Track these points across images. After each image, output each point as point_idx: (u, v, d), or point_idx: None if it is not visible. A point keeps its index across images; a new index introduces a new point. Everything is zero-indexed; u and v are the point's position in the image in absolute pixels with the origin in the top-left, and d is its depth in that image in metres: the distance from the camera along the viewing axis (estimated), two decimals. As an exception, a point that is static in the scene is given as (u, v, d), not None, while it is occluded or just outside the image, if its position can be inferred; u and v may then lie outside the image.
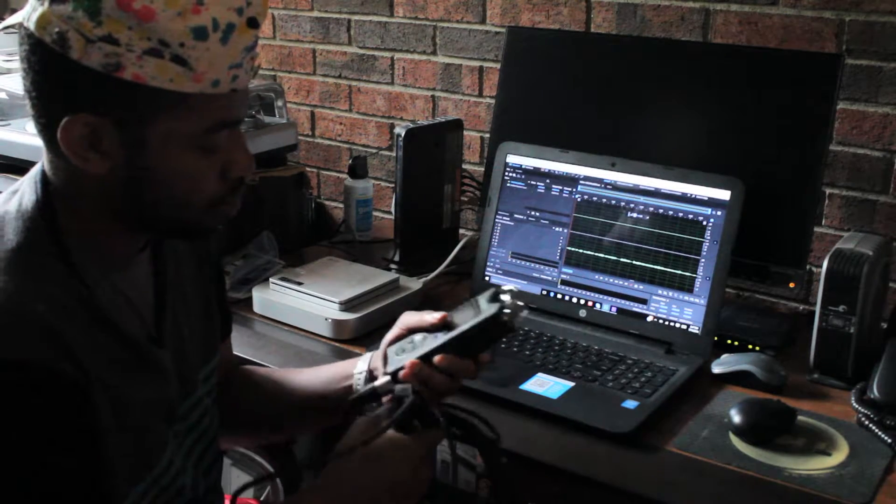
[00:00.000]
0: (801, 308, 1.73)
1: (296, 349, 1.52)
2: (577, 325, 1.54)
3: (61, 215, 0.95)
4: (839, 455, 1.22)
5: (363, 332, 1.54)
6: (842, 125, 1.64)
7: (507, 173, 1.64)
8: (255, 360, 1.46)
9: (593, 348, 1.47)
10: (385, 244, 1.95)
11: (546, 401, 1.32)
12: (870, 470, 1.18)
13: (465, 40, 2.05)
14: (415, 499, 1.07)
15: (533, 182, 1.62)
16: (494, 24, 1.99)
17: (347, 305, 1.56)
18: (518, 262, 1.62)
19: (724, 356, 1.44)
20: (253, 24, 0.92)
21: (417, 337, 1.15)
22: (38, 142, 0.96)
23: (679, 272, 1.49)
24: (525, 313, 1.10)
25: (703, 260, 1.47)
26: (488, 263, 1.64)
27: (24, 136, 1.91)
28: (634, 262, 1.52)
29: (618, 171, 1.55)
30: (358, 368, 1.21)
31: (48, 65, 0.89)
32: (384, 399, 1.12)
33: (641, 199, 1.53)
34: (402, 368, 1.10)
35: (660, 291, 1.50)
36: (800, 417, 1.28)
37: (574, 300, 1.56)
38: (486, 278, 1.64)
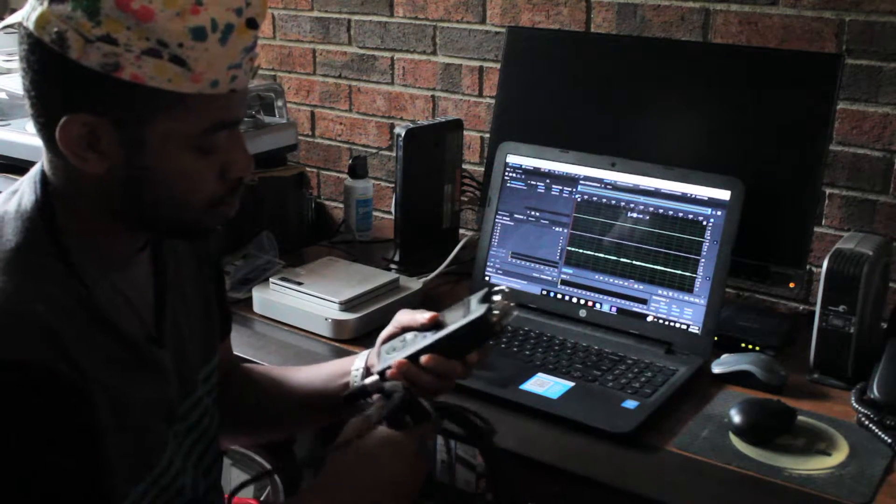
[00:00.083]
0: (801, 308, 1.73)
1: (296, 349, 1.52)
2: (577, 325, 1.54)
3: (60, 215, 0.95)
4: (839, 455, 1.22)
5: (363, 332, 1.54)
6: (842, 125, 1.64)
7: (507, 173, 1.64)
8: (255, 360, 1.46)
9: (593, 348, 1.47)
10: (385, 244, 1.95)
11: (546, 401, 1.32)
12: (870, 470, 1.18)
13: (465, 40, 2.05)
14: (413, 494, 1.07)
15: (533, 182, 1.62)
16: (494, 24, 1.99)
17: (347, 305, 1.56)
18: (518, 262, 1.62)
19: (724, 356, 1.44)
20: (252, 24, 0.92)
21: (409, 335, 1.15)
22: (39, 142, 0.96)
23: (679, 272, 1.48)
24: (515, 314, 1.10)
25: (703, 260, 1.47)
26: (488, 263, 1.64)
27: (24, 136, 1.91)
28: (634, 262, 1.52)
29: (618, 171, 1.55)
30: (355, 366, 1.22)
31: (47, 64, 0.89)
32: (375, 397, 1.12)
33: (641, 199, 1.53)
34: (388, 367, 1.11)
35: (660, 291, 1.50)
36: (800, 417, 1.28)
37: (574, 300, 1.56)
38: (486, 278, 1.64)
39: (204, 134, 0.94)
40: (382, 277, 1.65)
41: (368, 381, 1.13)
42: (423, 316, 1.16)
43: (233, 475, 1.90)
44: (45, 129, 0.93)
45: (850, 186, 1.66)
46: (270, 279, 1.65)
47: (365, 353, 1.24)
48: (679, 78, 1.65)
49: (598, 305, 1.55)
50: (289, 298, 1.60)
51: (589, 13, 1.87)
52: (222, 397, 1.22)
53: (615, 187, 1.55)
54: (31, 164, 1.01)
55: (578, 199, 1.58)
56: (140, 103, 0.90)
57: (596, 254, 1.55)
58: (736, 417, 1.26)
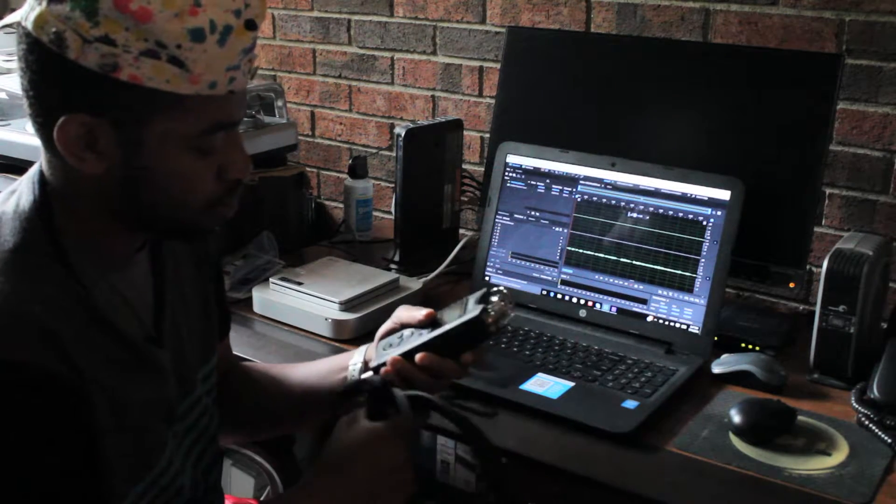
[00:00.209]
0: (801, 308, 1.73)
1: (296, 349, 1.52)
2: (577, 325, 1.54)
3: (59, 216, 0.95)
4: (839, 455, 1.22)
5: (363, 332, 1.53)
6: (842, 125, 1.64)
7: (507, 173, 1.64)
8: (255, 360, 1.45)
9: (593, 348, 1.47)
10: (385, 244, 1.95)
11: (546, 401, 1.32)
12: (870, 470, 1.18)
13: (465, 40, 2.05)
14: (407, 483, 1.07)
15: (533, 182, 1.62)
16: (494, 24, 1.99)
17: (347, 305, 1.56)
18: (518, 262, 1.62)
19: (724, 356, 1.44)
20: (251, 26, 0.92)
21: (406, 332, 1.15)
22: (39, 142, 0.96)
23: (679, 272, 1.48)
24: (512, 315, 1.10)
25: (703, 260, 1.47)
26: (488, 263, 1.64)
27: (24, 136, 1.91)
28: (634, 262, 1.52)
29: (618, 171, 1.55)
30: (353, 360, 1.23)
31: (45, 64, 0.89)
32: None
33: (641, 199, 1.53)
34: (383, 363, 1.11)
35: (660, 291, 1.50)
36: (800, 417, 1.28)
37: (574, 300, 1.56)
38: (486, 278, 1.64)
39: (202, 135, 0.94)
40: (382, 277, 1.65)
41: (364, 376, 1.14)
42: (421, 313, 1.16)
43: (233, 475, 1.90)
44: (44, 129, 0.93)
45: (850, 186, 1.66)
46: (270, 279, 1.65)
47: (363, 347, 1.24)
48: (679, 78, 1.65)
49: (598, 305, 1.55)
50: (289, 298, 1.60)
51: (589, 13, 1.86)
52: (222, 396, 1.22)
53: (615, 187, 1.55)
54: (31, 164, 1.00)
55: (578, 199, 1.57)
56: (138, 104, 0.89)
57: (596, 254, 1.55)
58: (736, 417, 1.26)
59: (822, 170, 1.52)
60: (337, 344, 1.52)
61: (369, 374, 1.14)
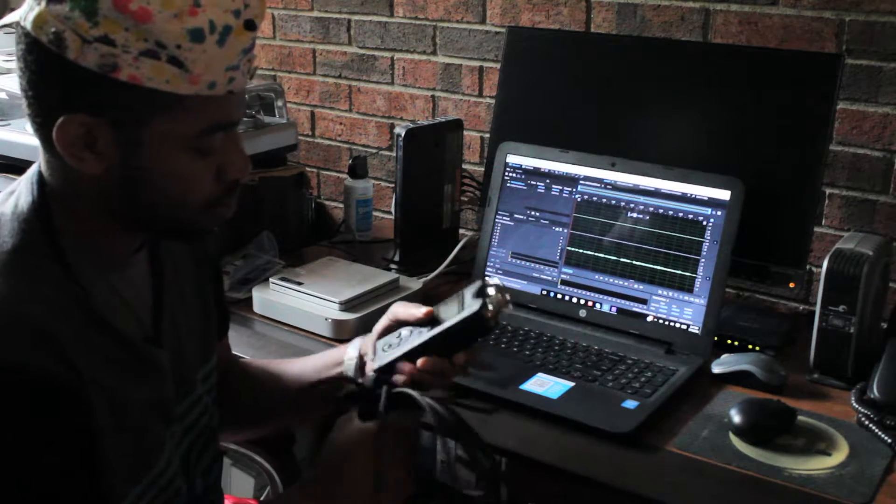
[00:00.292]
0: (801, 308, 1.73)
1: (296, 349, 1.52)
2: (577, 325, 1.54)
3: (57, 216, 0.95)
4: (839, 455, 1.22)
5: (363, 332, 1.51)
6: (842, 125, 1.64)
7: (507, 173, 1.64)
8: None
9: (593, 348, 1.47)
10: (385, 244, 1.95)
11: (546, 401, 1.32)
12: (870, 470, 1.18)
13: (465, 40, 2.05)
14: (404, 482, 1.07)
15: (533, 182, 1.62)
16: (494, 24, 1.99)
17: (347, 305, 1.55)
18: (518, 262, 1.62)
19: (724, 356, 1.44)
20: (250, 26, 0.92)
21: (405, 331, 1.15)
22: (38, 142, 0.96)
23: (679, 272, 1.48)
24: (510, 308, 1.09)
25: (703, 260, 1.47)
26: (488, 263, 1.64)
27: (24, 136, 1.91)
28: (634, 262, 1.52)
29: (618, 171, 1.55)
30: (348, 355, 1.22)
31: (44, 64, 0.89)
32: None
33: (641, 199, 1.52)
34: (385, 364, 1.11)
35: (660, 291, 1.50)
36: (800, 417, 1.28)
37: (574, 300, 1.56)
38: (487, 278, 1.64)
39: (201, 135, 0.94)
40: (382, 277, 1.65)
41: (363, 379, 1.13)
42: (418, 311, 1.15)
43: (233, 475, 1.90)
44: (42, 129, 0.93)
45: (850, 186, 1.66)
46: (270, 279, 1.65)
47: (357, 341, 1.23)
48: (679, 78, 1.64)
49: (598, 305, 1.55)
50: (289, 298, 1.60)
51: (589, 13, 1.86)
52: (221, 396, 1.22)
53: (615, 187, 1.55)
54: (31, 164, 1.00)
55: (578, 199, 1.57)
56: (137, 104, 0.89)
57: (596, 254, 1.55)
58: (736, 417, 1.26)
59: (822, 170, 1.52)
60: (337, 344, 1.52)
61: (372, 375, 1.13)
